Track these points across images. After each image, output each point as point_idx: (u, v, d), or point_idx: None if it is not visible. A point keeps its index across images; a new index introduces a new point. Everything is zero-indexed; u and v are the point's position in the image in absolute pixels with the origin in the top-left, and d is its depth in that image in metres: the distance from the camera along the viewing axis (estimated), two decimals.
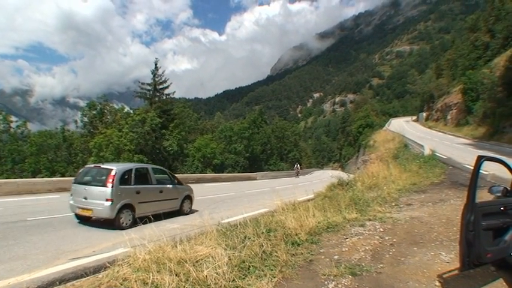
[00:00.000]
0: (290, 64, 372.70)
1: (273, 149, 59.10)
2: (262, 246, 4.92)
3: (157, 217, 7.72)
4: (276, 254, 4.82)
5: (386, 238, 5.75)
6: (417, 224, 6.54)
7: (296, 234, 5.70)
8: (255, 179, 32.48)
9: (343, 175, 18.38)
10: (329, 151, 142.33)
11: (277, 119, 75.77)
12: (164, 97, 41.05)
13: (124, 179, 7.88)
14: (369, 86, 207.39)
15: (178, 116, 41.23)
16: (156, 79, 39.90)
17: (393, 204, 8.47)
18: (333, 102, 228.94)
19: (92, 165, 8.50)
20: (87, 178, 8.00)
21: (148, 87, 40.08)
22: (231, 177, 28.83)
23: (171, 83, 40.97)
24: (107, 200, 7.49)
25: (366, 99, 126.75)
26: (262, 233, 5.49)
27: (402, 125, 57.06)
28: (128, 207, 7.86)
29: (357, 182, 12.31)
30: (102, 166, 8.09)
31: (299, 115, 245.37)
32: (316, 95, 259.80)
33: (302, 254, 5.06)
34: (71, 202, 7.95)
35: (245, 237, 5.22)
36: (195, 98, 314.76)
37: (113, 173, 7.65)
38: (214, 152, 40.58)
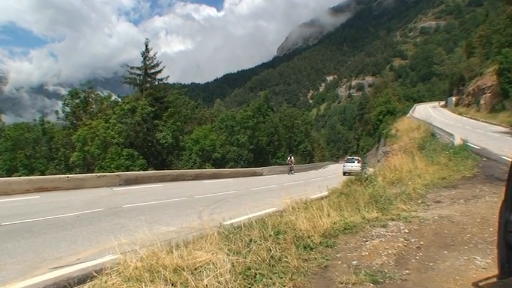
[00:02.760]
0: (299, 43, 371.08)
1: (281, 140, 59.12)
2: (270, 250, 4.89)
3: (151, 219, 7.70)
4: (285, 259, 4.80)
5: (412, 240, 5.70)
6: (447, 224, 6.49)
7: (308, 237, 5.67)
8: (260, 174, 32.53)
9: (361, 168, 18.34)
10: (345, 142, 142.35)
11: (285, 106, 75.70)
12: (156, 83, 41.15)
13: None
14: (389, 67, 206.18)
15: (173, 104, 41.31)
16: (147, 62, 39.92)
17: (419, 201, 8.42)
18: (349, 86, 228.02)
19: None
20: None
21: (138, 72, 40.14)
22: (233, 173, 28.89)
23: (163, 67, 41.08)
24: None
25: (387, 82, 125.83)
26: (270, 235, 5.46)
27: (428, 112, 56.74)
28: None
29: (378, 177, 12.26)
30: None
31: (310, 101, 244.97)
32: (329, 79, 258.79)
33: (316, 259, 5.03)
34: None
35: (250, 241, 5.19)
36: (192, 83, 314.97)
37: None
38: (214, 144, 40.68)
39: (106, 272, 4.34)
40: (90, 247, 6.60)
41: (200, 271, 4.28)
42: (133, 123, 35.22)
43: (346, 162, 37.49)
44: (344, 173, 32.17)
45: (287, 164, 36.85)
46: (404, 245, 5.50)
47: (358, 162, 36.32)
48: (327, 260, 5.02)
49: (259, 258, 4.69)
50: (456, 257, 5.02)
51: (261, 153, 51.36)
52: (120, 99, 43.02)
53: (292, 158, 37.25)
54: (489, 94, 44.00)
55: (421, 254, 5.18)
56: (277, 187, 18.34)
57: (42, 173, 33.67)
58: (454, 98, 64.83)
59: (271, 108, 64.46)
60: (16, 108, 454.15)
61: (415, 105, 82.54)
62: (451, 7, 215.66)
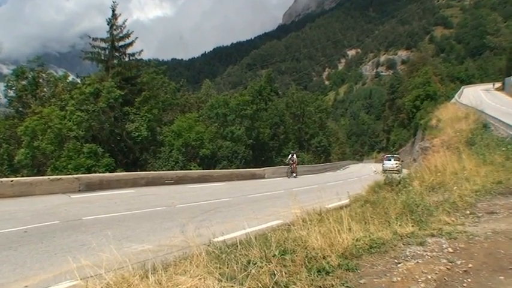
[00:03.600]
0: (312, 7, 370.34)
1: (288, 133, 59.22)
2: (274, 275, 4.89)
3: (120, 234, 7.68)
4: (294, 286, 4.80)
5: (458, 263, 5.70)
6: (504, 241, 6.49)
7: (324, 258, 5.67)
8: (262, 177, 32.57)
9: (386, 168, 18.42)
10: (371, 135, 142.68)
11: (294, 89, 75.50)
12: (127, 59, 41.10)
13: None
14: (429, 38, 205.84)
15: (148, 87, 41.30)
16: (114, 32, 39.84)
17: (467, 212, 8.42)
18: (376, 63, 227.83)
19: None
20: None
21: (103, 45, 40.06)
22: (226, 175, 28.92)
23: (136, 38, 41.04)
24: None
25: (425, 58, 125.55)
26: (274, 255, 5.46)
27: (480, 96, 56.62)
28: None
29: (413, 180, 12.26)
30: None
31: (326, 82, 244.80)
32: (351, 53, 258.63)
33: (333, 286, 5.03)
34: None
35: (249, 263, 5.20)
36: (173, 59, 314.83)
37: None
38: (201, 138, 40.73)
39: None
40: (42, 271, 6.60)
41: None
42: (96, 111, 35.19)
43: (386, 160, 48.33)
44: (384, 171, 35.54)
45: (287, 164, 36.46)
46: (448, 269, 5.51)
47: (395, 160, 44.96)
48: (347, 287, 5.03)
49: (259, 285, 4.69)
50: None
51: (262, 150, 51.44)
52: (79, 80, 42.94)
53: (295, 156, 36.20)
54: None
55: (469, 280, 5.18)
56: (283, 193, 18.35)
57: None
58: None
59: (275, 91, 64.61)
60: None
61: (462, 87, 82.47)
62: None
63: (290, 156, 36.62)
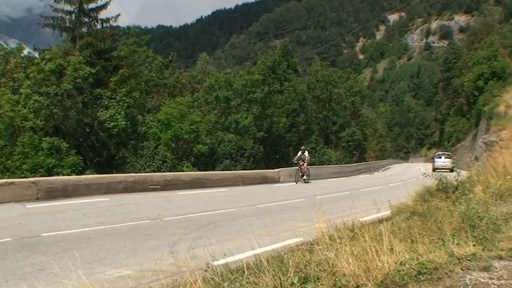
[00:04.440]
0: None
1: (310, 123, 59.21)
2: None
3: (91, 256, 7.64)
4: None
5: None
6: None
7: (357, 287, 5.66)
8: (276, 180, 32.58)
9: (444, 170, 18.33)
10: (419, 126, 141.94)
11: (318, 65, 75.31)
12: (99, 26, 41.11)
13: None
14: None
15: (127, 62, 41.38)
16: None
17: None
18: (426, 31, 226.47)
19: None
20: None
21: (69, 8, 40.10)
22: (230, 178, 28.95)
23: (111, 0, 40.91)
24: None
25: (491, 24, 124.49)
26: (292, 284, 5.46)
27: None
28: None
29: (475, 185, 12.19)
30: None
31: (360, 57, 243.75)
32: (392, 18, 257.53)
33: None
34: None
35: None
36: (159, 26, 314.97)
37: None
38: (196, 129, 40.70)
39: None
40: None
41: None
42: (59, 94, 35.29)
43: (437, 158, 54.14)
44: (434, 169, 41.46)
45: (296, 165, 34.76)
46: None
47: (446, 158, 50.88)
48: None
49: None
50: None
51: (276, 145, 51.51)
52: (37, 54, 43.03)
53: (307, 153, 34.88)
54: None
55: None
56: (303, 202, 18.31)
57: None
58: None
59: (293, 68, 64.50)
60: None
61: None
62: None
63: (300, 153, 35.19)
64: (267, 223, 13.05)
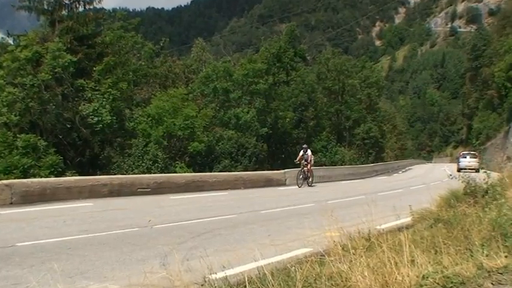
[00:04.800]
0: None
1: (321, 118, 59.17)
2: None
3: (72, 268, 7.60)
4: None
5: None
6: None
7: None
8: (282, 183, 32.64)
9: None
10: (444, 121, 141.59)
11: (329, 53, 75.09)
12: (81, 8, 41.04)
13: None
14: None
15: (113, 49, 41.33)
16: None
17: None
18: (451, 14, 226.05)
19: None
20: None
21: None
22: (229, 181, 29.01)
23: None
24: None
25: None
26: None
27: None
28: None
29: (508, 189, 12.19)
30: None
31: (377, 43, 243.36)
32: (413, 0, 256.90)
33: None
34: None
35: None
36: (149, 8, 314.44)
37: None
38: (192, 125, 40.68)
39: None
40: None
41: None
42: (36, 85, 35.27)
43: (461, 158, 57.54)
44: (459, 170, 44.61)
45: (298, 166, 34.13)
46: None
47: (472, 158, 54.25)
48: None
49: None
50: None
51: (282, 143, 51.51)
52: (11, 41, 43.03)
53: (310, 152, 34.36)
54: None
55: None
56: (313, 208, 18.33)
57: None
58: None
59: (301, 56, 64.40)
60: None
61: None
62: None
63: (302, 152, 34.51)
64: (272, 231, 13.04)
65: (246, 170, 39.84)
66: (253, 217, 16.42)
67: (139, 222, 13.98)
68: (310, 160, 33.75)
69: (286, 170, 35.21)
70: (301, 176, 32.86)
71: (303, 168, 33.34)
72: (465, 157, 57.64)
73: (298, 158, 34.33)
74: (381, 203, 15.76)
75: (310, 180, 33.41)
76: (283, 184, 32.42)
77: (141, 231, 12.87)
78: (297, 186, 31.45)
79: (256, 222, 14.98)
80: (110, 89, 37.46)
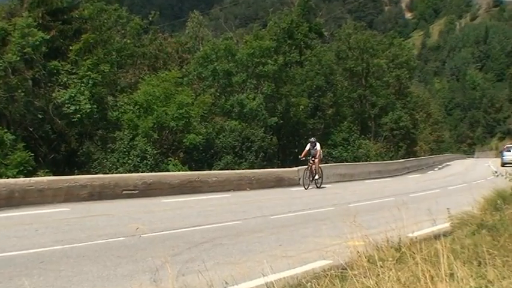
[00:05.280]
0: None
1: (341, 106, 59.08)
2: None
3: (46, 284, 7.57)
4: None
5: None
6: None
7: None
8: (294, 183, 32.65)
9: None
10: (488, 108, 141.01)
11: (350, 27, 74.90)
12: None
13: None
14: None
15: (93, 25, 41.30)
16: None
17: None
18: None
19: None
20: None
21: None
22: (232, 180, 29.13)
23: None
24: None
25: None
26: None
27: None
28: None
29: None
30: None
31: (407, 16, 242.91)
32: None
33: None
34: None
35: None
36: None
37: None
38: (187, 114, 40.63)
39: None
40: None
41: None
42: (2, 69, 35.30)
43: (505, 151, 59.94)
44: (503, 165, 47.14)
45: (305, 163, 33.30)
46: None
47: None
48: None
49: None
50: None
51: (294, 135, 51.53)
52: None
53: (318, 146, 33.75)
54: None
55: None
56: (332, 212, 18.32)
57: None
58: None
59: (317, 31, 64.12)
60: None
61: None
62: None
63: (308, 146, 33.94)
64: (283, 240, 13.06)
65: (252, 167, 39.84)
66: (261, 224, 16.44)
67: (125, 231, 13.98)
68: (318, 155, 33.21)
69: (300, 167, 35.08)
70: (309, 175, 32.51)
71: (309, 165, 32.79)
72: (509, 150, 58.68)
73: (303, 154, 33.57)
74: (413, 206, 15.80)
75: (318, 179, 32.93)
76: (297, 184, 32.39)
77: (128, 241, 12.89)
78: (304, 188, 31.28)
79: (264, 230, 15.00)
80: (89, 72, 37.44)
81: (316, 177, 32.72)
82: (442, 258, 6.82)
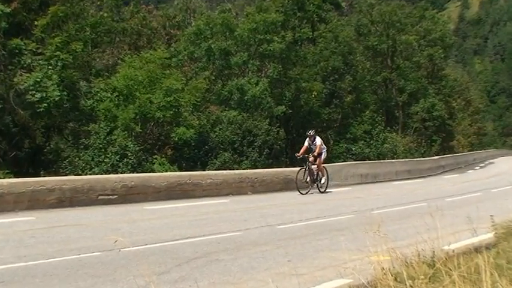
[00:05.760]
0: None
1: (362, 92, 59.03)
2: None
3: None
4: None
5: None
6: None
7: None
8: (306, 185, 32.52)
9: None
10: None
11: None
12: None
13: None
14: None
15: None
16: None
17: None
18: None
19: None
20: None
21: None
22: (231, 183, 29.19)
23: None
24: None
25: None
26: None
27: None
28: None
29: None
30: None
31: None
32: None
33: None
34: None
35: None
36: None
37: None
38: (176, 103, 40.60)
39: None
40: None
41: None
42: None
43: None
44: None
45: (303, 161, 32.63)
46: None
47: None
48: None
49: None
50: None
51: (305, 128, 51.39)
52: None
53: (319, 140, 32.79)
54: None
55: None
56: (352, 220, 18.38)
57: None
58: None
59: (333, 2, 64.11)
60: None
61: None
62: None
63: (307, 142, 33.25)
64: (293, 255, 13.05)
65: (254, 166, 39.87)
66: (266, 235, 16.45)
67: (101, 244, 13.98)
68: (321, 153, 32.69)
69: (313, 166, 35.10)
70: (306, 177, 31.72)
71: (308, 165, 32.02)
72: None
73: (301, 151, 32.86)
74: (449, 213, 15.84)
75: (323, 183, 32.52)
76: (308, 186, 32.32)
77: (105, 257, 12.89)
78: (333, 189, 31.27)
79: (270, 243, 15.01)
80: (58, 53, 37.44)
81: (322, 180, 32.41)
82: (484, 275, 6.82)
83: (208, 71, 47.07)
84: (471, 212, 13.93)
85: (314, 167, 32.15)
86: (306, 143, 32.76)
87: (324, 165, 32.89)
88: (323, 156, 32.94)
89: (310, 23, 55.95)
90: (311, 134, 33.33)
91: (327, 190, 32.22)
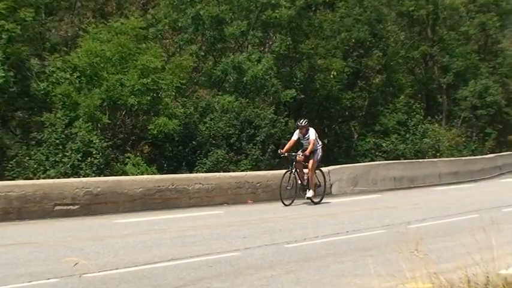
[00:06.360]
0: None
1: (395, 71, 59.05)
2: None
3: None
4: None
5: None
6: None
7: None
8: (322, 191, 32.60)
9: None
10: None
11: None
12: None
13: None
14: None
15: None
16: None
17: None
18: None
19: None
20: None
21: None
22: (226, 189, 29.16)
23: None
24: None
25: None
26: None
27: None
28: None
29: None
30: None
31: None
32: None
33: None
34: None
35: None
36: None
37: None
38: (154, 86, 40.55)
39: None
40: None
41: None
42: None
43: None
44: None
45: (291, 159, 31.20)
46: None
47: None
48: None
49: None
50: None
51: (322, 118, 51.61)
52: None
53: (312, 133, 31.48)
54: None
55: None
56: (381, 236, 18.43)
57: None
58: None
59: None
60: None
61: None
62: None
63: (296, 135, 32.34)
64: (307, 282, 13.06)
65: (256, 167, 39.88)
66: (272, 256, 16.44)
67: (58, 268, 13.97)
68: (315, 150, 31.48)
69: (330, 167, 35.05)
70: (291, 182, 30.42)
71: (294, 167, 30.83)
72: None
73: (286, 147, 31.96)
74: (508, 227, 15.88)
75: (312, 190, 31.09)
76: (327, 193, 32.33)
77: (63, 284, 12.84)
78: (357, 197, 31.29)
79: (277, 266, 14.99)
80: (2, 22, 37.50)
81: (311, 193, 30.87)
82: None
83: (196, 45, 47.07)
84: None
85: (305, 170, 31.17)
86: (295, 136, 31.88)
87: (322, 168, 32.66)
88: (317, 155, 31.61)
89: None
90: (303, 124, 31.98)
91: (321, 201, 31.33)
